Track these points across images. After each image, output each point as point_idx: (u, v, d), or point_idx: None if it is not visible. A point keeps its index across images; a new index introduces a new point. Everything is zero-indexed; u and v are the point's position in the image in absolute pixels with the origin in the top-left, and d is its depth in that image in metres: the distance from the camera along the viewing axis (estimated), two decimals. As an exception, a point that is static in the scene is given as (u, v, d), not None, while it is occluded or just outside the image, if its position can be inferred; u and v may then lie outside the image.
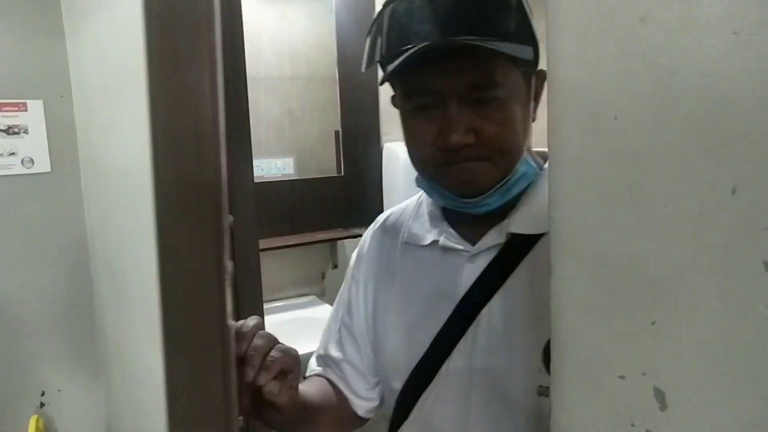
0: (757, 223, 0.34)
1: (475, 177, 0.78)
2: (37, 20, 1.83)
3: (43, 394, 1.98)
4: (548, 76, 0.46)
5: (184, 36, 0.47)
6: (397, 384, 0.88)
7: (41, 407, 1.98)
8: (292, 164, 2.46)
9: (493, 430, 0.81)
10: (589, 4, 0.42)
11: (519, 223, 0.81)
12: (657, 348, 0.39)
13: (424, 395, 0.85)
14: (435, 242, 0.88)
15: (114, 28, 1.40)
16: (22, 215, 1.88)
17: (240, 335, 0.70)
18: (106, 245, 1.78)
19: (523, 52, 0.75)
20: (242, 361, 0.69)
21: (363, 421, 0.99)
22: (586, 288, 0.43)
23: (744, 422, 0.36)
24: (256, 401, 0.72)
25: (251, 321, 0.73)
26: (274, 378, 0.72)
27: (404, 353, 0.87)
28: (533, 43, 0.77)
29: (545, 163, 0.84)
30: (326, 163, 2.60)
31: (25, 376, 1.96)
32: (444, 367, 0.83)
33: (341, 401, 0.96)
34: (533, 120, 0.82)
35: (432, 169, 0.81)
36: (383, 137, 2.57)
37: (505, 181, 0.79)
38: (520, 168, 0.80)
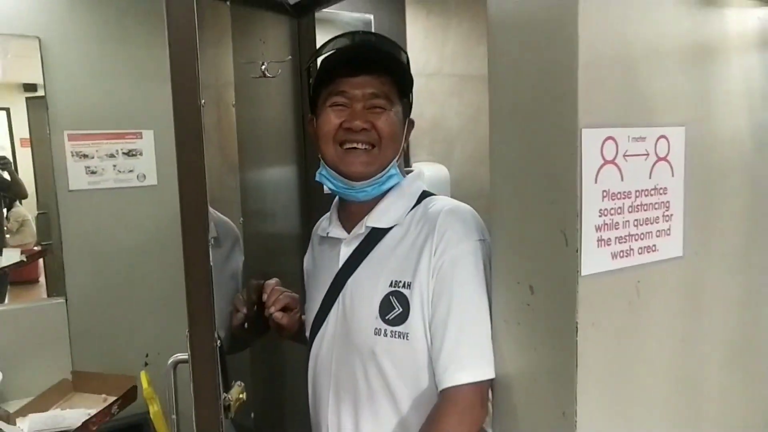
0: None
1: (363, 161, 1.09)
2: (149, 69, 2.45)
3: (147, 355, 2.57)
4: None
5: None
6: (308, 330, 1.23)
7: (145, 366, 2.55)
8: None
9: (346, 360, 1.11)
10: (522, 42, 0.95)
11: (375, 219, 1.13)
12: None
13: (317, 337, 1.19)
14: (329, 237, 1.20)
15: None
16: (137, 217, 2.48)
17: (264, 286, 1.23)
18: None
19: (406, 89, 1.13)
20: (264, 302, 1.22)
21: None
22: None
23: (539, 273, 0.87)
24: (273, 325, 1.23)
25: (272, 280, 1.25)
26: (281, 310, 1.21)
27: (311, 313, 1.22)
28: (411, 97, 1.15)
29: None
30: None
31: (135, 341, 2.55)
32: (326, 320, 1.17)
33: None
34: (403, 149, 1.15)
35: (334, 148, 1.10)
36: (412, 158, 3.10)
37: (380, 176, 1.11)
38: (392, 171, 1.12)
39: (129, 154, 2.45)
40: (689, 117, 0.94)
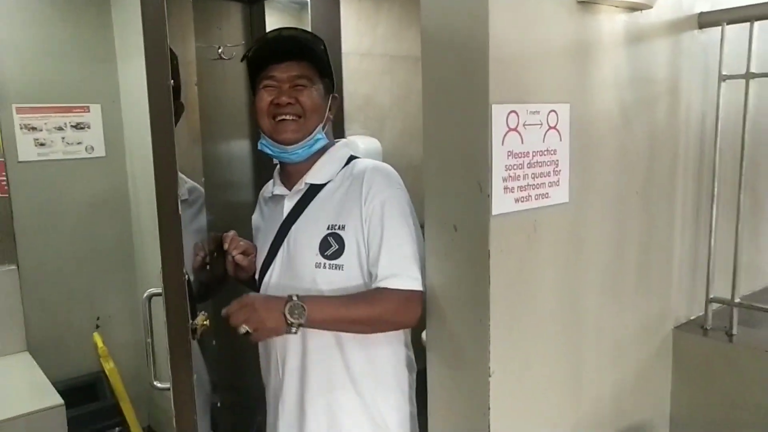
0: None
1: (289, 129, 1.32)
2: (97, 50, 2.55)
3: (98, 318, 2.71)
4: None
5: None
6: (258, 270, 1.45)
7: (96, 329, 2.69)
8: None
9: (292, 289, 1.29)
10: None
11: (311, 177, 1.37)
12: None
13: (266, 275, 1.41)
14: (274, 195, 1.45)
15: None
16: (85, 187, 2.60)
17: (224, 236, 1.43)
18: (140, 205, 2.52)
19: (324, 72, 1.35)
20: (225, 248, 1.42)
21: None
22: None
23: (461, 215, 1.15)
24: (232, 268, 1.43)
25: (231, 232, 1.45)
26: (241, 253, 1.40)
27: (260, 258, 1.44)
28: (331, 74, 1.38)
29: (329, 147, 1.41)
30: None
31: (86, 306, 2.68)
32: (273, 261, 1.40)
33: None
34: (328, 118, 1.39)
35: (268, 121, 1.33)
36: (346, 131, 3.33)
37: (308, 139, 1.34)
38: (318, 136, 1.36)
39: (77, 127, 2.55)
40: (573, 97, 1.23)
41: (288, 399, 1.39)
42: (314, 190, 1.38)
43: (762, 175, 1.74)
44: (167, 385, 1.20)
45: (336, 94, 1.44)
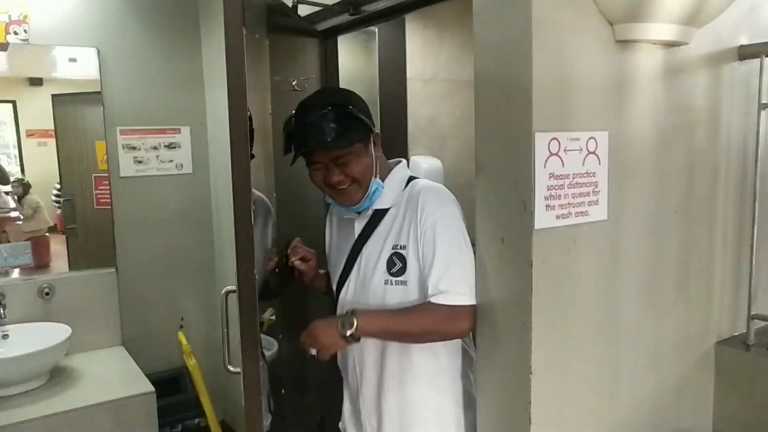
0: (507, 173, 1.30)
1: (348, 196, 1.47)
2: (188, 79, 2.87)
3: (182, 319, 2.99)
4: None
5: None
6: (335, 285, 1.61)
7: (180, 328, 2.97)
8: None
9: (365, 304, 1.48)
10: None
11: (377, 203, 1.50)
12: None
13: (343, 289, 1.57)
14: (345, 217, 1.59)
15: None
16: (174, 199, 2.90)
17: (288, 243, 1.63)
18: (221, 218, 2.78)
19: (358, 136, 1.42)
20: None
21: None
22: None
23: (507, 229, 1.31)
24: (297, 273, 1.63)
25: (295, 239, 1.65)
26: (300, 259, 1.61)
27: (336, 271, 1.61)
28: (365, 125, 1.44)
29: (389, 172, 1.52)
30: None
31: (172, 307, 2.97)
32: (348, 278, 1.56)
33: None
34: (377, 157, 1.47)
35: (328, 190, 1.49)
36: (410, 151, 3.52)
37: (366, 195, 1.47)
38: (373, 187, 1.47)
39: (169, 146, 2.86)
40: (611, 125, 1.37)
41: (367, 395, 1.57)
42: (380, 214, 1.52)
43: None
44: (238, 369, 1.41)
45: (377, 131, 1.51)
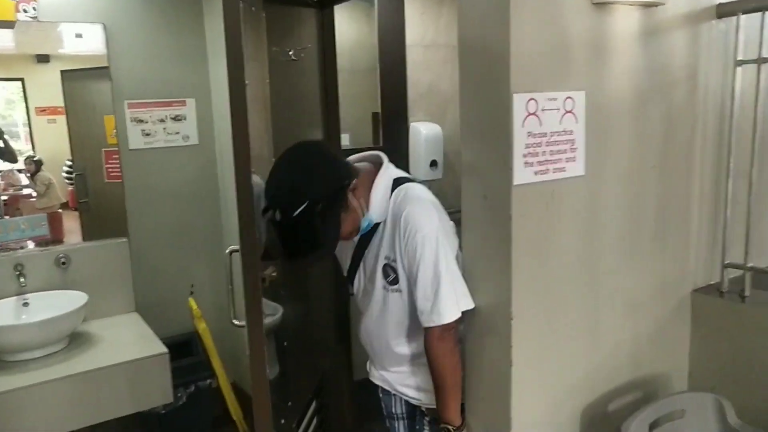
0: (487, 133, 1.37)
1: (347, 240, 1.57)
2: (192, 52, 2.93)
3: (192, 285, 3.11)
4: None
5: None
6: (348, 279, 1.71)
7: (191, 294, 3.09)
8: (348, 138, 3.46)
9: (366, 305, 1.63)
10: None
11: (374, 217, 1.53)
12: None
13: (354, 288, 1.69)
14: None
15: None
16: (182, 170, 3.00)
17: None
18: (227, 188, 2.89)
19: (332, 223, 1.44)
20: None
21: None
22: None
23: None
24: None
25: None
26: None
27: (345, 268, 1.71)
28: (333, 191, 1.43)
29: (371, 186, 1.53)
30: (365, 137, 3.56)
31: (182, 274, 3.08)
32: (357, 278, 1.65)
33: None
34: (356, 195, 1.48)
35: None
36: (410, 118, 3.57)
37: (359, 233, 1.55)
38: (365, 224, 1.52)
39: (175, 119, 2.94)
40: (588, 85, 1.44)
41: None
42: (376, 226, 1.57)
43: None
44: (243, 323, 1.52)
45: (347, 183, 1.48)
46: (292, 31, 2.04)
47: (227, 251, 1.74)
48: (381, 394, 1.80)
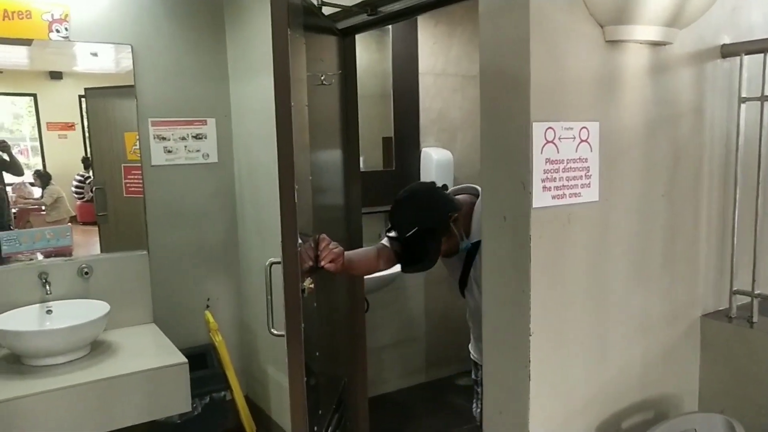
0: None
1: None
2: (214, 72, 3.06)
3: (208, 299, 3.19)
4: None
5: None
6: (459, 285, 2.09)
7: (207, 308, 3.17)
8: (361, 161, 3.56)
9: (478, 299, 1.85)
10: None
11: (473, 238, 1.92)
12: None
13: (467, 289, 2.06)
14: None
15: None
16: (202, 187, 3.10)
17: (319, 241, 1.83)
18: (245, 205, 2.97)
19: (440, 243, 1.91)
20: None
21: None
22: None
23: (508, 208, 1.49)
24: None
25: (323, 238, 1.85)
26: (331, 261, 1.81)
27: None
28: (445, 216, 1.91)
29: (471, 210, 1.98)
30: (376, 160, 3.65)
31: (199, 287, 3.17)
32: (466, 289, 2.05)
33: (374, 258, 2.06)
34: (460, 225, 1.94)
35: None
36: (421, 143, 3.69)
37: (457, 254, 1.97)
38: (461, 246, 1.95)
39: (196, 137, 3.06)
40: (602, 116, 1.54)
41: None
42: (478, 244, 1.82)
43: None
44: (282, 332, 1.60)
45: (451, 215, 1.91)
46: (323, 57, 2.15)
47: (267, 263, 1.84)
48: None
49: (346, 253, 1.91)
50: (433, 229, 1.89)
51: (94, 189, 2.93)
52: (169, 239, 3.05)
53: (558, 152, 1.48)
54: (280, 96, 1.53)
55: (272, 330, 1.77)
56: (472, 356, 2.21)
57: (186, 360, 2.47)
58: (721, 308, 1.88)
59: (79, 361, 2.45)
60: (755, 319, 1.77)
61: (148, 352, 2.59)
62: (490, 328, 1.59)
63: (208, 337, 3.05)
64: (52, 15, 2.68)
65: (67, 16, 2.72)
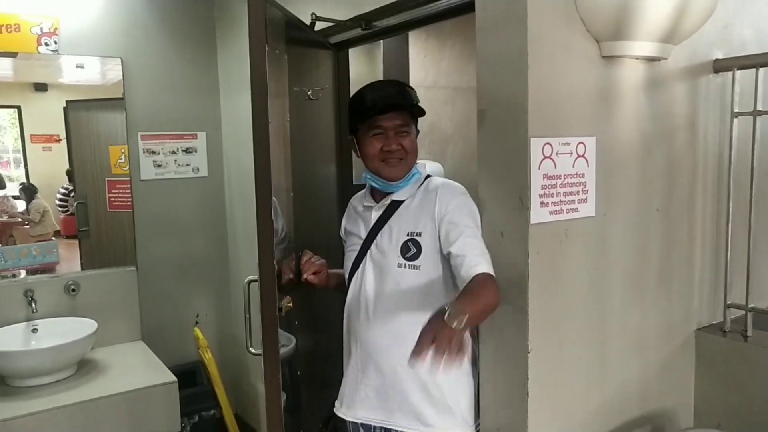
0: (506, 174, 1.46)
1: (395, 169, 1.61)
2: (204, 87, 3.04)
3: (197, 315, 3.14)
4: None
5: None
6: (350, 266, 1.74)
7: (196, 324, 3.12)
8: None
9: (379, 285, 1.63)
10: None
11: (397, 195, 1.65)
12: (489, 209, 1.52)
13: (358, 270, 1.70)
14: (364, 206, 1.73)
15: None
16: (191, 201, 3.06)
17: (302, 254, 1.76)
18: (235, 220, 2.93)
19: (418, 114, 1.65)
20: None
21: None
22: (474, 196, 1.55)
23: (506, 224, 1.47)
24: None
25: (306, 254, 1.77)
26: (313, 273, 1.72)
27: (352, 253, 1.73)
28: (419, 111, 1.64)
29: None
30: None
31: (188, 304, 3.12)
32: (364, 260, 1.68)
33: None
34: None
35: (378, 163, 1.61)
36: (412, 156, 3.68)
37: (408, 175, 1.63)
38: (414, 170, 1.65)
39: (186, 151, 3.02)
40: (598, 131, 1.54)
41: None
42: (396, 204, 1.66)
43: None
44: (259, 351, 1.55)
45: (419, 129, 1.72)
46: (311, 72, 2.14)
47: (246, 281, 1.80)
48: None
49: (330, 270, 1.84)
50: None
51: (76, 203, 2.87)
52: (158, 255, 3.01)
53: (555, 167, 1.47)
54: (257, 112, 1.48)
55: (250, 348, 1.74)
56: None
57: (175, 379, 2.43)
58: (715, 322, 1.88)
59: (65, 381, 2.40)
60: (749, 332, 1.77)
61: (136, 370, 2.54)
62: (487, 346, 1.58)
63: (197, 354, 3.00)
64: (41, 28, 2.65)
65: (56, 29, 2.69)
